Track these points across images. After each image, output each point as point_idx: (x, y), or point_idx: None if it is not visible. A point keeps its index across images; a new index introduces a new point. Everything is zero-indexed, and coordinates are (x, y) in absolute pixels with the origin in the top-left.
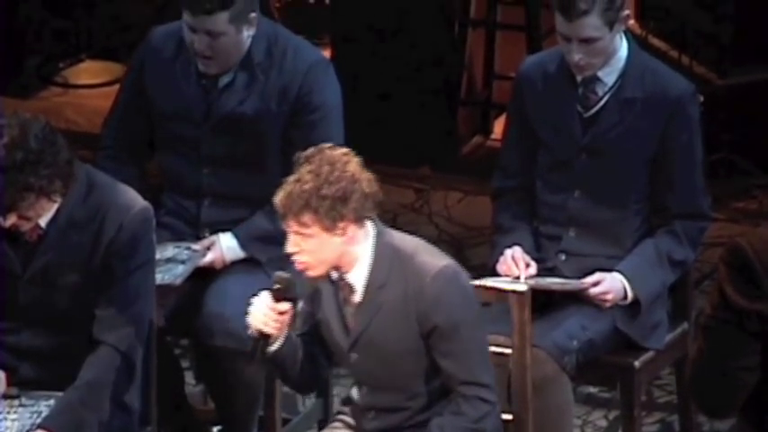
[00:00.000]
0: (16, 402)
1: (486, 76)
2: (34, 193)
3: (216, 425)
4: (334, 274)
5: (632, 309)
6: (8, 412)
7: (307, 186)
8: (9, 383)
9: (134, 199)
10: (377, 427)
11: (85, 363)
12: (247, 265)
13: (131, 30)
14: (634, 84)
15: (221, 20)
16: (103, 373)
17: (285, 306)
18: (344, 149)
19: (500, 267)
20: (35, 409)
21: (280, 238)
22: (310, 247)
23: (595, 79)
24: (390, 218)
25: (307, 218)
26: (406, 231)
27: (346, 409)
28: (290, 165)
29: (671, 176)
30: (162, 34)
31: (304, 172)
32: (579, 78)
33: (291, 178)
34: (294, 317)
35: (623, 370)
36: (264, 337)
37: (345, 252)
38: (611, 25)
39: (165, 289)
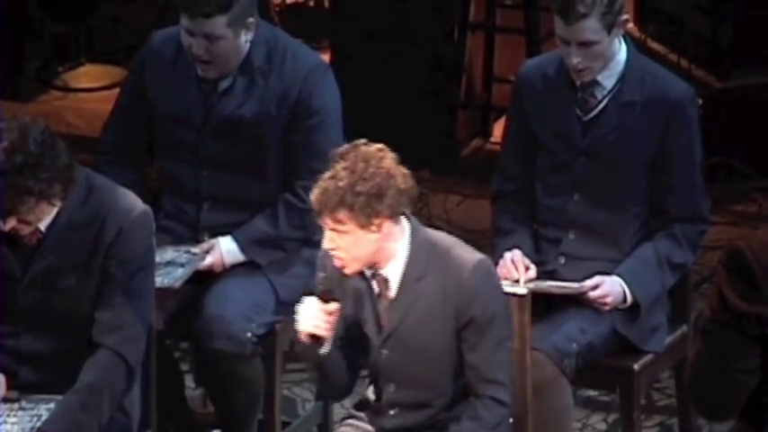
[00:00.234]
0: (16, 406)
1: (485, 79)
2: (34, 196)
3: (215, 428)
4: (368, 271)
5: (632, 312)
6: (8, 415)
7: (342, 183)
8: (9, 387)
9: (134, 202)
10: (397, 424)
11: (85, 366)
12: (247, 269)
13: (131, 33)
14: (633, 87)
15: (219, 23)
16: (103, 377)
17: (333, 306)
18: (380, 145)
19: (500, 270)
20: (35, 412)
21: (280, 242)
22: (346, 244)
23: (594, 83)
24: None
25: (342, 215)
26: None
27: (360, 413)
28: (290, 169)
29: (670, 179)
30: (162, 38)
31: (339, 169)
32: (578, 82)
33: (327, 175)
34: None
35: (623, 373)
36: (316, 341)
37: (381, 248)
38: (609, 29)
39: (164, 292)
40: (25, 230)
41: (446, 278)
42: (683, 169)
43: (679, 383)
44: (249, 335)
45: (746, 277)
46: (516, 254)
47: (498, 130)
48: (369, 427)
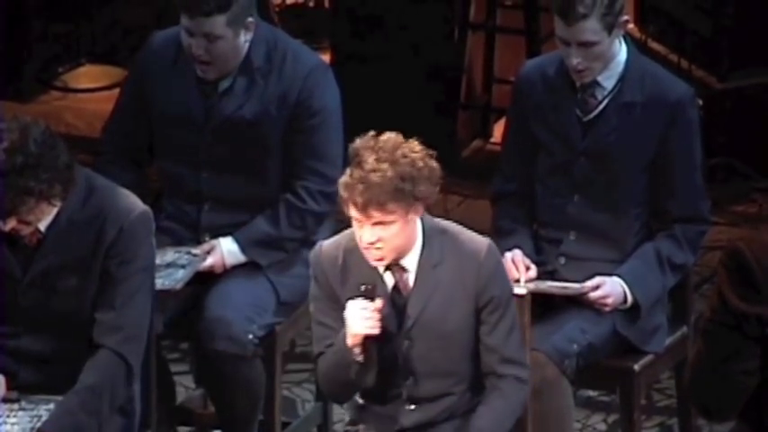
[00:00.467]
0: (16, 406)
1: (485, 79)
2: (34, 197)
3: (216, 428)
4: (381, 264)
5: (632, 312)
6: (8, 416)
7: (389, 173)
8: (9, 387)
9: (134, 203)
10: (417, 420)
11: (85, 367)
12: (248, 270)
13: (131, 34)
14: (633, 88)
15: (219, 23)
16: (103, 377)
17: (380, 303)
18: (392, 133)
19: None
20: (35, 413)
21: (280, 242)
22: (390, 235)
23: (594, 83)
24: None
25: (392, 205)
26: None
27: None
28: (290, 169)
29: (670, 180)
30: (162, 39)
31: (373, 161)
32: (578, 83)
33: (362, 171)
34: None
35: (623, 373)
36: (371, 340)
37: (411, 236)
38: (609, 29)
39: (165, 294)
40: (25, 231)
41: (462, 262)
42: (684, 170)
43: (679, 384)
44: (250, 336)
45: (747, 278)
46: (517, 254)
47: (498, 130)
48: None
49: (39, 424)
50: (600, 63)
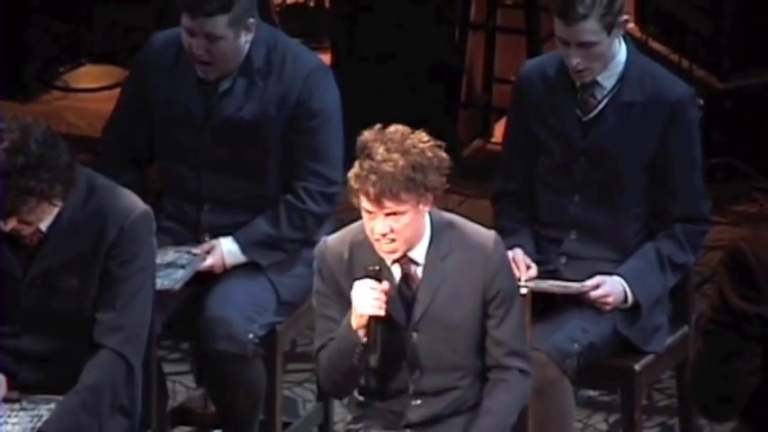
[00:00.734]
0: (17, 406)
1: (486, 79)
2: (35, 197)
3: (216, 428)
4: (388, 256)
5: (633, 312)
6: (9, 416)
7: (401, 163)
8: (10, 387)
9: (134, 203)
10: (423, 415)
11: (86, 366)
12: (248, 270)
13: (132, 34)
14: (633, 88)
15: (220, 23)
16: (104, 377)
17: (386, 284)
18: (398, 125)
19: None
20: (36, 412)
21: (281, 243)
22: (402, 225)
23: (594, 83)
24: None
25: (405, 195)
26: None
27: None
28: (291, 170)
29: (671, 180)
30: (162, 40)
31: (384, 151)
32: (578, 83)
33: (373, 162)
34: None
35: (624, 373)
36: (376, 321)
37: (421, 227)
38: (609, 30)
39: (164, 294)
40: (26, 231)
41: (470, 255)
42: (684, 170)
43: (680, 384)
44: (251, 336)
45: (747, 277)
46: (518, 253)
47: (499, 130)
48: None
49: (39, 424)
50: (599, 63)
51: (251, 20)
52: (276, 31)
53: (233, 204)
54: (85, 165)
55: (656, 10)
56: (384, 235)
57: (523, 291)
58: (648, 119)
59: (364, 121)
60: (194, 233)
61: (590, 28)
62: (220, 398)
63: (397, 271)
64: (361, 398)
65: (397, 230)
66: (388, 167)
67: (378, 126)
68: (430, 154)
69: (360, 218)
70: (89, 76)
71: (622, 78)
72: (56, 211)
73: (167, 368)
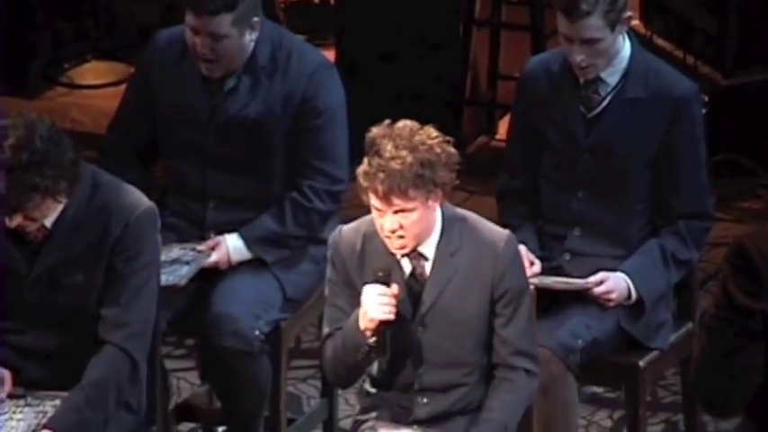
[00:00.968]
0: (22, 402)
1: (490, 76)
2: (39, 193)
3: (221, 425)
4: (399, 250)
5: (636, 308)
6: (14, 412)
7: (409, 159)
8: (14, 383)
9: (139, 199)
10: (429, 412)
11: (90, 363)
12: (254, 266)
13: (136, 30)
14: (637, 84)
15: (225, 22)
16: (108, 373)
17: (396, 288)
18: (407, 120)
19: None
20: (40, 408)
21: (286, 240)
22: (411, 222)
23: (598, 80)
24: None
25: (413, 192)
26: None
27: (369, 415)
28: (296, 168)
29: (675, 177)
30: (167, 37)
31: (392, 148)
32: (582, 79)
33: (382, 159)
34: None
35: (628, 370)
36: (386, 326)
37: (431, 222)
38: (612, 26)
39: (169, 290)
40: (31, 227)
41: (480, 251)
42: (688, 166)
43: (684, 380)
44: (257, 332)
45: (752, 274)
46: (521, 249)
47: (503, 127)
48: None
49: (44, 420)
50: (603, 59)
51: (255, 18)
52: (281, 29)
53: (238, 202)
54: (90, 161)
55: (660, 6)
56: (393, 232)
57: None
58: (652, 115)
59: (368, 118)
60: (199, 230)
61: (594, 24)
62: (226, 394)
63: (406, 265)
64: (370, 389)
65: (407, 227)
66: (396, 165)
67: (386, 122)
68: (438, 150)
69: (366, 213)
70: (94, 72)
71: (626, 75)
72: (60, 207)
73: (172, 364)
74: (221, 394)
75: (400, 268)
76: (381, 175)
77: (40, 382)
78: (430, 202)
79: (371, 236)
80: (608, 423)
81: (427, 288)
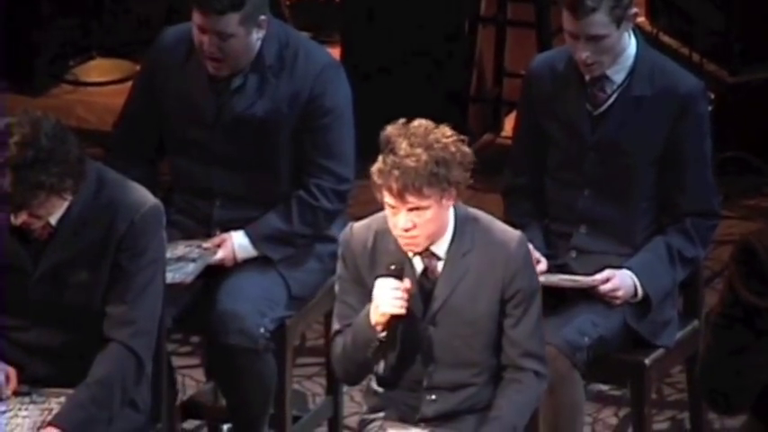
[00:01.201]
0: (27, 399)
1: (496, 73)
2: (45, 191)
3: (227, 422)
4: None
5: (643, 306)
6: (19, 409)
7: (424, 157)
8: (19, 381)
9: (144, 196)
10: (436, 410)
11: (96, 360)
12: (260, 264)
13: (142, 27)
14: (643, 82)
15: (232, 21)
16: (114, 371)
17: (408, 283)
18: (422, 120)
19: None
20: (45, 406)
21: (292, 238)
22: (424, 220)
23: (604, 77)
24: None
25: (428, 190)
26: None
27: (376, 415)
28: (302, 167)
29: (680, 174)
30: (172, 35)
31: (407, 146)
32: (588, 77)
33: (396, 157)
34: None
35: (634, 367)
36: (397, 320)
37: (444, 221)
38: (618, 23)
39: (175, 287)
40: (36, 224)
41: (492, 251)
42: (694, 164)
43: (690, 378)
44: (262, 329)
45: (758, 272)
46: None
47: (509, 124)
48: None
49: (49, 417)
50: (609, 57)
51: (262, 16)
52: (288, 28)
53: (244, 200)
54: (95, 158)
55: (666, 3)
56: (407, 230)
57: None
58: (658, 113)
59: (374, 115)
60: (205, 228)
61: (599, 21)
62: (231, 392)
63: (418, 264)
64: (377, 388)
65: (420, 225)
66: (411, 162)
67: (401, 120)
68: (453, 149)
69: (372, 212)
70: (99, 69)
71: (632, 72)
72: (66, 204)
73: (177, 362)
74: (226, 392)
75: (412, 266)
76: (396, 173)
77: (46, 380)
78: (444, 201)
79: (383, 233)
80: (613, 421)
81: (438, 287)
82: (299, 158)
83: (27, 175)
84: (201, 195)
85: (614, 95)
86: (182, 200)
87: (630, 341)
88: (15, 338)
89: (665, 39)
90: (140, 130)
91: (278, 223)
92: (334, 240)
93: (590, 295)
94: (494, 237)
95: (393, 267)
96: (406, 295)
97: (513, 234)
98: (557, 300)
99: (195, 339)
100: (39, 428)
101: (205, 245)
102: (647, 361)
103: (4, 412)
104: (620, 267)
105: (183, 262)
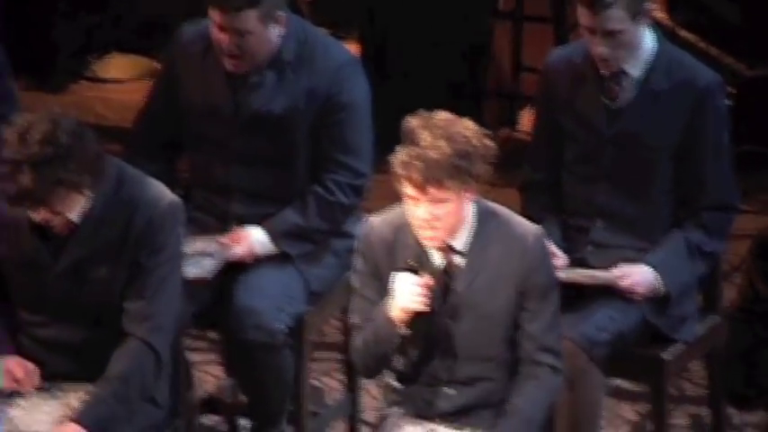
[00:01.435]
0: (47, 395)
1: (513, 68)
2: (64, 187)
3: (245, 418)
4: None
5: (662, 301)
6: (39, 405)
7: (447, 149)
8: (40, 376)
9: (163, 192)
10: (453, 405)
11: (114, 355)
12: (277, 260)
13: (160, 24)
14: (660, 76)
15: (250, 17)
16: (133, 366)
17: (427, 278)
18: (445, 113)
19: None
20: (65, 401)
21: (309, 233)
22: (445, 213)
23: (621, 72)
24: None
25: (449, 182)
26: None
27: (394, 409)
28: (320, 162)
29: (698, 168)
30: (190, 32)
31: (429, 138)
32: (605, 71)
33: (419, 148)
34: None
35: (652, 363)
36: (418, 316)
37: (463, 215)
38: (635, 17)
39: (196, 283)
40: (56, 221)
41: (511, 246)
42: (712, 158)
43: (709, 373)
44: (280, 325)
45: None
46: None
47: (525, 119)
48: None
49: (69, 412)
50: (625, 51)
51: (280, 13)
52: (306, 24)
53: (262, 196)
54: (114, 155)
55: None
56: (426, 221)
57: None
58: (676, 107)
59: (391, 111)
60: (223, 224)
61: (616, 16)
62: (250, 387)
63: (436, 258)
64: (395, 383)
65: (440, 217)
66: (433, 154)
67: (424, 112)
68: (476, 142)
69: (389, 207)
70: (117, 66)
71: (650, 66)
72: (85, 201)
73: (195, 357)
74: (245, 387)
75: (430, 260)
76: (418, 164)
77: (65, 375)
78: (464, 195)
79: (402, 227)
80: (632, 416)
81: (457, 281)
82: (316, 154)
83: (46, 171)
84: (219, 192)
85: (632, 90)
86: (200, 196)
87: (649, 336)
88: (35, 334)
89: (683, 33)
90: (159, 127)
91: (295, 219)
92: (350, 236)
93: (608, 290)
94: (512, 231)
95: (412, 262)
96: (425, 291)
97: (531, 228)
98: (574, 295)
99: (214, 335)
100: (59, 424)
101: (223, 240)
102: (665, 356)
103: (25, 408)
104: (637, 262)
105: (200, 257)
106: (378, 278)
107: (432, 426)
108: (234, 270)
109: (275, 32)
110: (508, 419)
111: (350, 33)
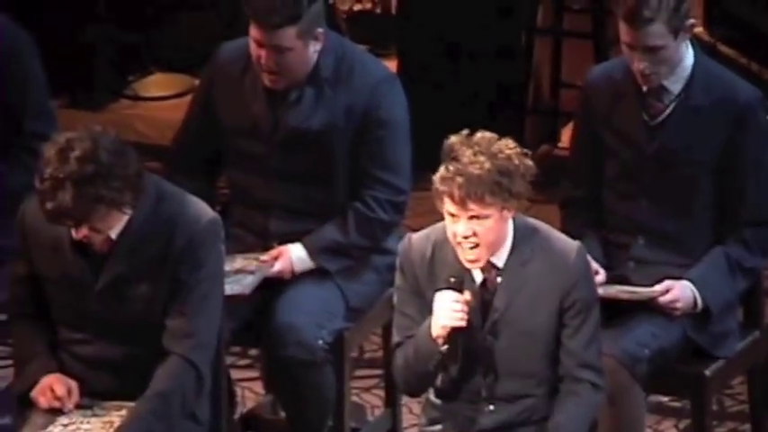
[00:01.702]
0: (89, 413)
1: (553, 84)
2: (104, 205)
3: None
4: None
5: (703, 317)
6: (81, 422)
7: (488, 166)
8: (81, 393)
9: (203, 210)
10: (495, 422)
11: (156, 373)
12: (317, 276)
13: (200, 42)
14: (700, 92)
15: (289, 35)
16: (174, 384)
17: (468, 295)
18: (486, 132)
19: None
20: (107, 419)
21: (349, 250)
22: (485, 229)
23: (661, 88)
24: None
25: (489, 198)
26: None
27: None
28: (359, 179)
29: (739, 184)
30: (230, 50)
31: (471, 155)
32: (645, 87)
33: (460, 164)
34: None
35: (694, 379)
36: (457, 332)
37: (503, 232)
38: (676, 33)
39: (234, 299)
40: (97, 238)
41: (551, 262)
42: (753, 173)
43: (751, 389)
44: (320, 342)
45: None
46: None
47: (566, 135)
48: None
49: (111, 430)
50: (666, 67)
51: (319, 29)
52: (344, 40)
53: (301, 212)
54: (155, 173)
55: (723, 13)
56: (466, 237)
57: None
58: (716, 122)
59: (430, 128)
60: (262, 240)
61: (656, 32)
62: (290, 404)
63: (477, 274)
64: (436, 400)
65: (480, 234)
66: (475, 170)
67: (464, 132)
68: (516, 160)
69: (428, 224)
70: (158, 84)
71: (689, 82)
72: (125, 218)
73: (236, 374)
74: (286, 404)
75: (471, 277)
76: (459, 180)
77: (107, 393)
78: (505, 212)
79: (442, 244)
80: None
81: (497, 298)
82: (356, 171)
83: (87, 189)
84: (259, 208)
85: (672, 106)
86: (239, 213)
87: (690, 352)
88: (77, 352)
89: (723, 48)
90: (199, 144)
91: (335, 235)
92: (391, 252)
93: (649, 306)
94: (553, 247)
95: (453, 280)
96: (465, 308)
97: (571, 244)
98: (615, 311)
99: (254, 352)
100: None
101: (263, 257)
102: (707, 372)
103: (66, 425)
104: (679, 278)
105: (241, 275)
106: (418, 295)
107: None
108: (274, 287)
109: (314, 49)
110: None
111: (388, 50)
